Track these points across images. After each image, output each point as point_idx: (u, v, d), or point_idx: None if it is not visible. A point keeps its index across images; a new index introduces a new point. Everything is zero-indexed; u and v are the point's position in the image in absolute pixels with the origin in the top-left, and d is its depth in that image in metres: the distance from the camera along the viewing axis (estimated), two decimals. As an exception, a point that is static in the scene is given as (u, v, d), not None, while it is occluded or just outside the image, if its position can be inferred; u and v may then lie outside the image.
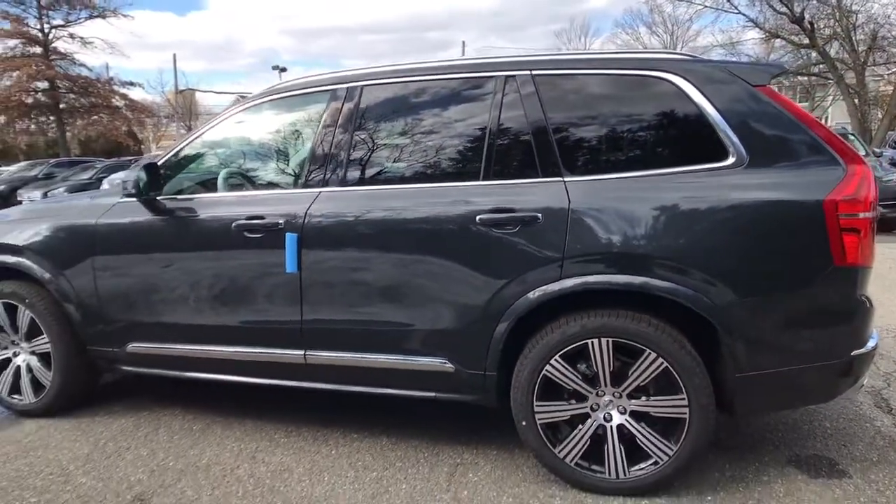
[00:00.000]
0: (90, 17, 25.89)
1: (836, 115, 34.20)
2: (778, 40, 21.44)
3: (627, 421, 2.22)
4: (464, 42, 55.49)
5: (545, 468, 2.35)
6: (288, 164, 2.90)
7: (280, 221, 2.47)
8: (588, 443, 2.25)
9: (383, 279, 2.39)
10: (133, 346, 2.82)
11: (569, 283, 2.16)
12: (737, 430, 2.74)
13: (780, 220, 2.05)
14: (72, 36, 25.98)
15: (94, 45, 26.09)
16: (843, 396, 2.27)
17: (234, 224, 2.54)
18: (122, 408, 3.13)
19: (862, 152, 9.36)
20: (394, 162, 2.57)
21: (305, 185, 2.57)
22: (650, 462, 2.20)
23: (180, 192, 2.79)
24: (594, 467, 2.25)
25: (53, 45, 25.79)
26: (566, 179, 2.24)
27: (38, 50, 25.30)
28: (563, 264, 2.17)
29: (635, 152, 2.28)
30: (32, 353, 2.99)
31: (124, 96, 27.71)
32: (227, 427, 2.89)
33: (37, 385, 3.00)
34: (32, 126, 26.97)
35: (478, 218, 2.25)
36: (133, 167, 2.72)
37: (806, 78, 25.64)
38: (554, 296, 2.18)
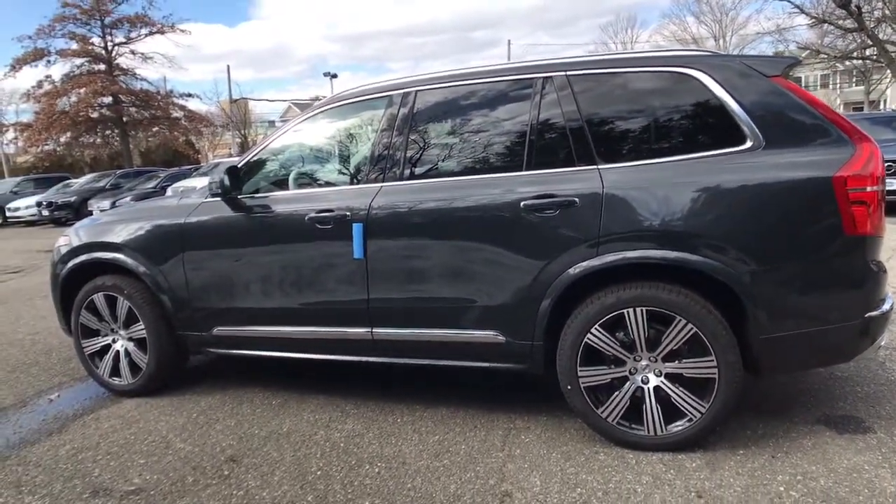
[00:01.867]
0: (150, 33, 27.33)
1: (895, 98, 33.15)
2: (828, 25, 21.05)
3: (663, 382, 2.46)
4: (509, 41, 55.64)
5: (590, 428, 2.61)
6: (351, 164, 3.23)
7: (347, 213, 2.81)
8: (628, 403, 2.50)
9: (438, 261, 2.70)
10: (218, 330, 3.20)
11: (606, 258, 2.42)
12: (770, 394, 2.95)
13: (795, 196, 2.28)
14: (133, 52, 27.51)
15: (153, 60, 27.52)
16: (863, 357, 2.47)
17: (306, 217, 2.89)
18: (208, 387, 3.52)
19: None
20: (445, 158, 2.87)
21: (368, 181, 2.90)
22: (685, 419, 2.44)
23: (257, 191, 3.15)
24: (634, 426, 2.50)
25: (116, 61, 27.29)
26: (600, 167, 2.50)
27: (102, 67, 26.80)
28: (600, 242, 2.43)
29: (660, 141, 2.52)
30: (130, 339, 3.40)
31: (182, 107, 29.11)
32: (301, 401, 3.24)
33: (133, 367, 3.41)
34: (98, 139, 28.49)
35: (522, 204, 2.53)
36: (214, 170, 3.09)
37: (860, 62, 25.02)
38: (593, 270, 2.45)
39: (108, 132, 28.20)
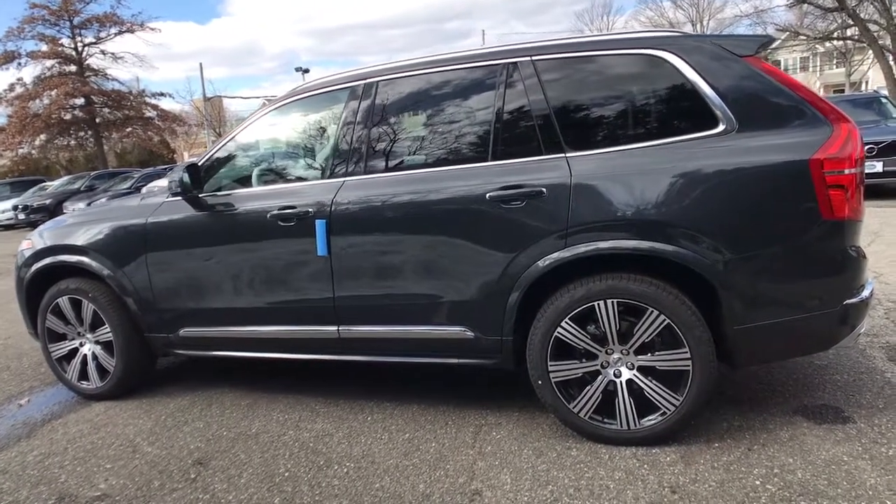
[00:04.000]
0: (119, 32, 27.06)
1: (877, 80, 33.15)
2: (808, 5, 20.97)
3: (636, 376, 2.40)
4: (483, 31, 55.30)
5: (562, 423, 2.55)
6: (314, 158, 3.14)
7: (310, 210, 2.72)
8: (600, 398, 2.44)
9: (404, 256, 2.62)
10: (185, 331, 3.12)
11: (574, 250, 2.35)
12: (747, 385, 2.89)
13: (770, 180, 2.20)
14: (103, 52, 27.29)
15: (124, 60, 27.28)
16: (842, 345, 2.41)
17: (268, 215, 2.80)
18: (178, 389, 3.44)
19: (895, 115, 9.23)
20: (409, 149, 2.79)
21: (331, 176, 2.81)
22: (659, 413, 2.37)
23: (219, 189, 3.07)
24: (607, 420, 2.44)
25: (87, 62, 27.02)
26: (568, 155, 2.42)
27: (73, 68, 26.54)
28: (568, 233, 2.36)
29: (630, 126, 2.44)
30: (97, 342, 3.32)
31: (155, 107, 28.84)
32: (271, 401, 3.17)
33: (102, 371, 3.33)
34: (72, 141, 28.26)
35: (487, 195, 2.45)
36: (175, 169, 3.04)
37: (841, 42, 24.96)
38: (561, 263, 2.37)
39: (81, 134, 27.95)
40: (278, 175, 3.18)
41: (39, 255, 3.35)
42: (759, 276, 2.23)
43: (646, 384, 2.38)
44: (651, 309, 2.29)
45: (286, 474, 2.45)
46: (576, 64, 2.53)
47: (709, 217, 2.23)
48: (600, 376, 2.44)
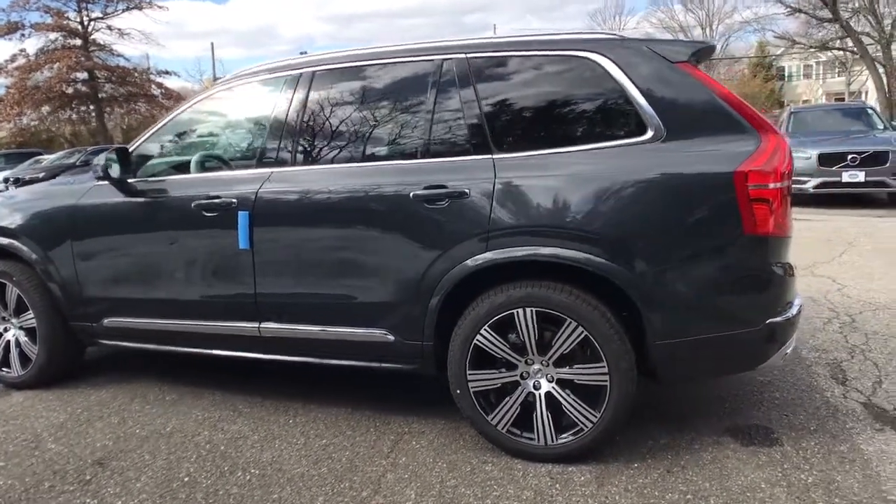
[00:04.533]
0: (127, 8, 26.81)
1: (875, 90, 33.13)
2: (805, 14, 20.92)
3: (554, 389, 2.29)
4: (495, 25, 55.12)
5: (480, 435, 2.44)
6: (246, 147, 3.01)
7: (234, 201, 2.60)
8: (518, 410, 2.33)
9: (326, 254, 2.51)
10: (108, 321, 3.00)
11: (494, 255, 2.23)
12: (681, 400, 2.79)
13: (693, 191, 2.10)
14: (109, 27, 27.01)
15: (130, 36, 27.08)
16: (769, 364, 2.30)
17: (193, 204, 2.68)
18: (105, 380, 3.32)
19: (881, 126, 9.12)
20: (340, 143, 2.66)
21: (259, 166, 2.69)
22: (576, 429, 2.26)
23: (152, 175, 2.94)
24: (525, 434, 2.33)
25: (92, 36, 26.77)
26: (495, 156, 2.31)
27: (78, 42, 26.29)
28: (489, 237, 2.24)
29: (560, 129, 2.33)
30: (21, 328, 3.20)
31: (160, 85, 28.59)
32: (197, 397, 3.06)
33: (24, 359, 3.21)
34: (74, 115, 28.02)
35: (412, 194, 2.34)
36: (105, 153, 2.94)
37: (841, 52, 24.91)
38: (481, 267, 2.26)
39: (83, 108, 27.73)
40: (210, 163, 3.04)
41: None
42: (679, 290, 2.12)
43: (564, 398, 2.27)
44: (569, 320, 2.18)
45: (186, 479, 2.34)
46: (509, 63, 2.41)
47: (630, 227, 2.12)
48: (519, 388, 2.33)
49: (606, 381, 2.19)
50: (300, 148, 2.62)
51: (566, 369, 2.26)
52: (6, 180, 17.08)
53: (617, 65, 2.22)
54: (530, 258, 2.19)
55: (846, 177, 8.04)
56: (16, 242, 3.11)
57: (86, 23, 26.65)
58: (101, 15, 26.94)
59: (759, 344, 2.18)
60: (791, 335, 2.26)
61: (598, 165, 2.18)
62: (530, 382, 2.32)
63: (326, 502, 2.16)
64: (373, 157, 2.57)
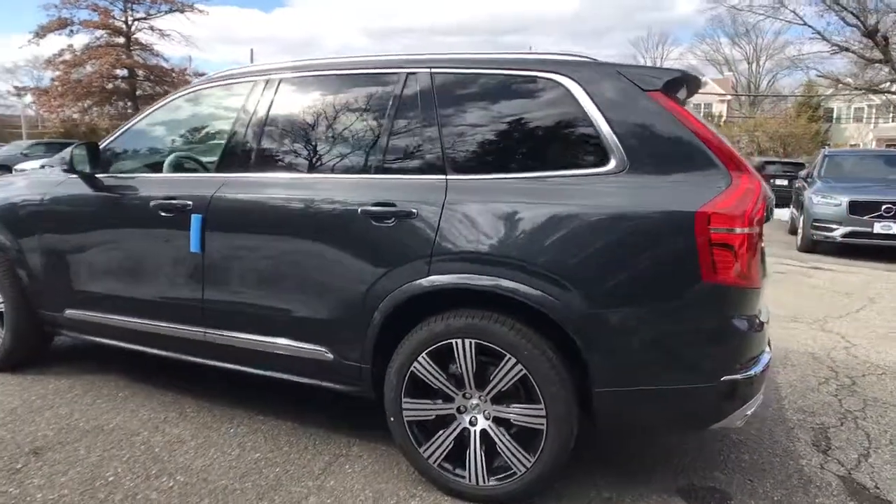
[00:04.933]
0: (169, 10, 27.92)
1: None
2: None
3: (490, 427, 2.16)
4: (531, 46, 55.43)
5: (412, 467, 2.33)
6: (207, 151, 3.01)
7: (189, 203, 2.58)
8: (452, 445, 2.21)
9: (271, 263, 2.46)
10: (69, 312, 3.01)
11: (434, 280, 2.14)
12: (642, 450, 2.62)
13: (649, 230, 1.95)
14: (151, 28, 28.18)
15: (171, 38, 28.15)
16: (725, 426, 2.11)
17: (151, 203, 2.67)
18: (68, 370, 3.33)
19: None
20: (297, 153, 2.63)
21: (217, 170, 2.67)
22: (509, 472, 2.13)
23: (122, 171, 2.95)
24: (457, 471, 2.21)
25: (135, 36, 27.98)
26: (448, 178, 2.22)
27: (121, 40, 27.53)
28: (432, 261, 2.15)
29: (518, 154, 2.22)
30: (-7, 313, 3.25)
31: None
32: (149, 396, 3.03)
33: (-6, 342, 3.25)
34: (112, 111, 29.18)
35: (360, 210, 2.27)
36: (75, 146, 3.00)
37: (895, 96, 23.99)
38: (420, 292, 2.16)
39: (121, 104, 28.82)
40: (174, 164, 3.04)
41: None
42: (625, 334, 1.98)
43: (499, 438, 2.14)
44: (508, 355, 2.06)
45: (111, 479, 2.30)
46: (473, 81, 2.33)
47: (576, 261, 1.99)
48: (455, 422, 2.21)
49: (543, 424, 2.06)
50: (257, 155, 2.59)
51: (503, 407, 2.13)
52: (42, 167, 17.82)
53: (583, 88, 2.12)
54: (464, 286, 2.09)
55: (878, 228, 7.64)
56: None
57: (129, 22, 27.96)
58: (144, 16, 28.28)
59: (714, 401, 2.01)
60: (754, 394, 2.08)
61: (551, 195, 2.06)
62: (467, 417, 2.20)
63: (239, 521, 2.08)
64: (326, 169, 2.52)
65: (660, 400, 2.02)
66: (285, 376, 2.54)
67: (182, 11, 28.24)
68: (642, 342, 1.98)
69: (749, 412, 2.09)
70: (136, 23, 28.33)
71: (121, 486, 2.26)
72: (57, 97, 26.07)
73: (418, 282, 2.16)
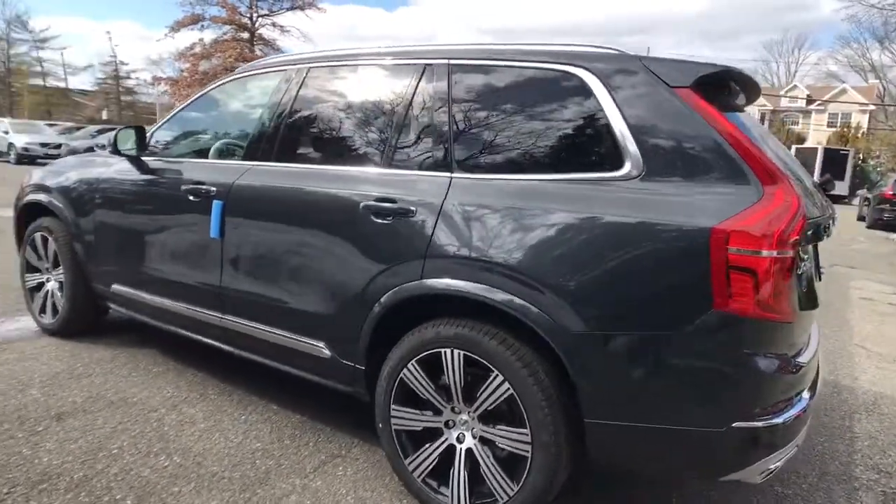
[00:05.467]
0: (291, 7, 29.71)
1: None
2: None
3: (476, 446, 2.00)
4: (648, 48, 53.30)
5: (397, 478, 2.21)
6: (239, 139, 3.03)
7: (212, 189, 2.62)
8: (438, 461, 2.07)
9: (280, 254, 2.43)
10: (115, 287, 3.18)
11: (423, 284, 2.01)
12: (651, 496, 2.33)
13: (657, 245, 1.70)
14: (273, 24, 30.09)
15: (290, 33, 30.02)
16: (739, 478, 1.79)
17: (182, 187, 2.75)
18: (117, 342, 3.53)
19: None
20: (316, 143, 2.59)
21: (243, 158, 2.69)
22: (491, 500, 1.96)
23: (166, 155, 3.08)
24: (441, 489, 2.07)
25: (258, 31, 30.01)
26: (453, 175, 2.08)
27: (246, 35, 29.61)
28: (425, 263, 2.01)
29: (527, 154, 2.02)
30: (57, 280, 3.52)
31: None
32: (179, 375, 3.14)
33: (55, 309, 3.52)
34: (233, 102, 31.72)
35: (362, 205, 2.18)
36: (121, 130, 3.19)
37: None
38: (411, 296, 2.04)
39: None
40: (220, 150, 3.10)
41: (26, 191, 3.61)
42: (622, 362, 1.74)
43: (483, 459, 1.97)
44: (496, 372, 1.89)
45: (114, 452, 2.38)
46: (488, 73, 2.16)
47: (574, 276, 1.77)
48: (443, 436, 2.07)
49: (528, 451, 1.86)
50: (277, 144, 2.57)
51: (490, 427, 1.96)
52: (92, 149, 19.49)
53: (602, 83, 1.89)
54: (447, 292, 1.94)
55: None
56: (55, 201, 3.40)
57: (254, 18, 29.95)
58: (267, 12, 30.21)
59: (723, 451, 1.71)
60: (781, 446, 1.76)
61: (555, 200, 1.86)
62: (455, 433, 2.05)
63: (215, 509, 2.07)
64: (342, 161, 2.45)
65: (658, 441, 1.75)
66: (290, 369, 2.52)
67: (302, 9, 30.03)
68: (640, 373, 1.73)
69: (773, 466, 1.77)
70: (259, 19, 30.48)
71: (120, 459, 2.33)
72: (185, 87, 28.51)
73: (411, 284, 2.04)
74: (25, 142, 19.76)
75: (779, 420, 1.71)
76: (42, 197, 3.47)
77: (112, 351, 3.40)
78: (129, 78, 42.69)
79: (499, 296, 1.86)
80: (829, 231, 2.19)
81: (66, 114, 40.59)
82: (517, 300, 1.83)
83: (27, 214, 3.64)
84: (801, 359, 1.83)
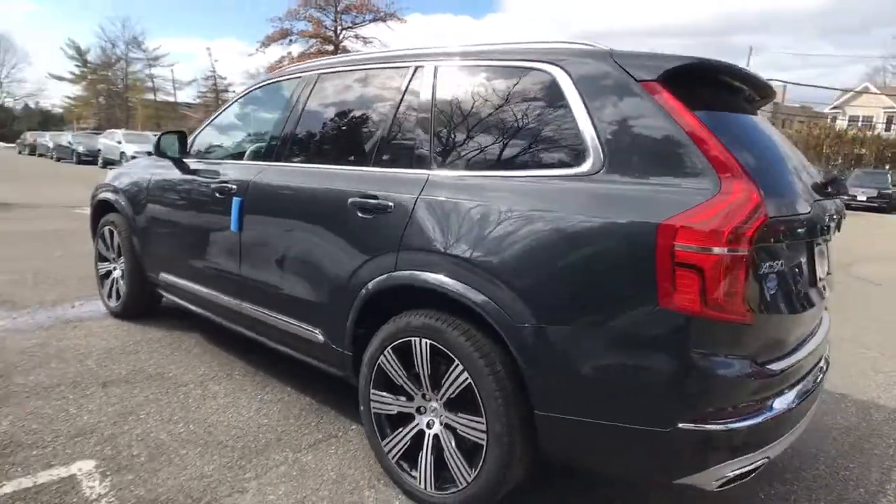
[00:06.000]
0: (373, 20, 31.03)
1: None
2: None
3: (441, 433, 2.10)
4: (751, 48, 50.39)
5: (376, 458, 2.35)
6: (259, 141, 3.28)
7: (233, 187, 2.90)
8: (410, 444, 2.19)
9: (285, 247, 2.65)
10: (162, 276, 3.56)
11: (395, 275, 2.14)
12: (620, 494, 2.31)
13: (606, 241, 1.73)
14: (356, 36, 31.45)
15: (372, 44, 31.19)
16: (689, 484, 1.76)
17: (211, 185, 3.05)
18: (168, 325, 3.93)
19: None
20: (319, 144, 2.80)
21: (261, 159, 2.95)
22: (451, 484, 2.06)
23: (202, 157, 3.42)
24: (412, 472, 2.18)
25: (343, 43, 31.44)
26: (430, 173, 2.20)
27: (331, 48, 31.13)
28: (399, 256, 2.14)
29: (500, 151, 2.10)
30: (121, 269, 3.96)
31: None
32: (214, 356, 3.45)
33: (119, 294, 3.97)
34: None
35: (349, 201, 2.35)
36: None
37: None
38: (386, 286, 2.18)
39: None
40: (237, 152, 3.40)
41: (98, 188, 4.10)
42: (569, 354, 1.77)
43: (447, 445, 2.07)
44: (457, 362, 1.98)
45: (142, 416, 2.68)
46: (469, 73, 2.27)
47: (526, 269, 1.84)
48: (414, 421, 2.19)
49: (484, 440, 1.94)
50: (290, 146, 2.81)
51: (454, 415, 2.06)
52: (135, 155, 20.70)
53: (571, 79, 1.94)
54: (413, 283, 2.06)
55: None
56: (119, 199, 3.86)
57: (338, 31, 31.38)
58: (350, 25, 31.65)
59: (669, 452, 1.71)
60: (740, 455, 1.72)
61: (515, 196, 1.93)
62: (425, 419, 2.16)
63: (215, 471, 2.29)
64: (340, 160, 2.64)
65: (606, 438, 1.77)
66: (294, 353, 2.73)
67: (384, 20, 31.24)
68: (587, 368, 1.76)
69: (731, 474, 1.73)
70: (343, 31, 32.00)
71: (144, 423, 2.63)
72: None
73: (385, 276, 2.17)
74: (135, 150, 21.82)
75: (736, 426, 1.67)
76: (110, 195, 3.93)
77: (161, 333, 3.79)
78: (226, 91, 46.00)
79: (457, 287, 1.95)
80: (827, 231, 2.10)
81: (173, 125, 44.40)
82: (472, 291, 1.92)
83: (99, 211, 4.13)
84: (778, 364, 1.78)
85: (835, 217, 2.15)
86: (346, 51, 32.05)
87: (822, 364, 2.22)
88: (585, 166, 1.86)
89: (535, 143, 2.05)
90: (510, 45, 2.22)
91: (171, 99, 50.10)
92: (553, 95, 1.99)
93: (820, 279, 2.09)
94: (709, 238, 1.59)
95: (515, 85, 2.11)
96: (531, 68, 2.07)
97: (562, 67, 1.98)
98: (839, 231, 2.26)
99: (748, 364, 1.71)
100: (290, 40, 31.78)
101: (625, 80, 1.86)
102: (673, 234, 1.61)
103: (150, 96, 49.82)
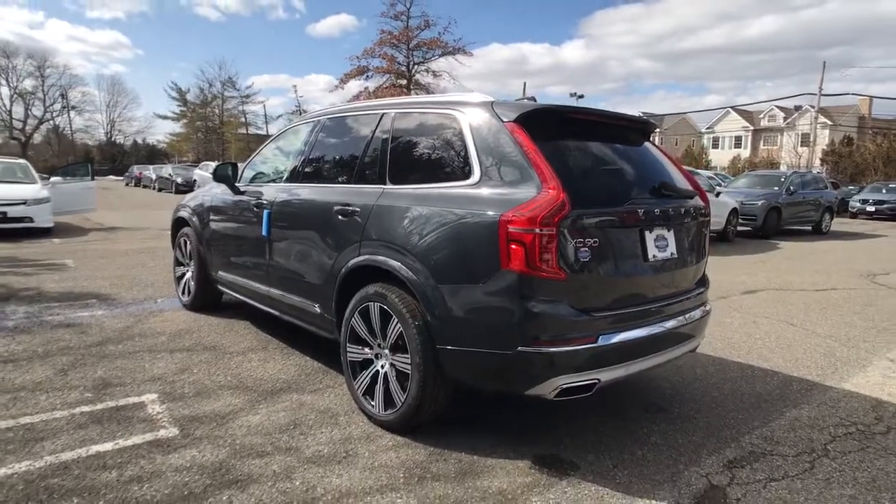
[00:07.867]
0: (442, 54, 32.58)
1: None
2: None
3: (388, 369, 2.93)
4: (824, 63, 48.31)
5: (350, 394, 3.20)
6: (288, 167, 4.26)
7: (265, 202, 3.90)
8: (370, 381, 3.03)
9: (295, 244, 3.60)
10: (219, 273, 4.62)
11: (360, 259, 3.02)
12: (524, 419, 3.01)
13: (474, 228, 2.54)
14: (427, 70, 33.07)
15: (441, 77, 32.85)
16: (539, 394, 2.48)
17: (252, 202, 4.08)
18: (228, 314, 4.99)
19: None
20: (319, 168, 3.75)
21: (285, 181, 3.95)
22: (394, 405, 2.87)
23: (250, 182, 4.48)
24: (372, 401, 3.01)
25: (415, 77, 33.18)
26: (385, 187, 3.07)
27: (403, 82, 32.93)
28: (361, 246, 3.03)
29: (425, 170, 2.98)
30: (191, 270, 5.09)
31: None
32: (256, 335, 4.44)
33: (189, 291, 5.09)
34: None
35: (334, 207, 3.26)
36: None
37: None
38: (354, 267, 3.06)
39: None
40: (272, 176, 4.41)
41: (176, 209, 5.29)
42: (451, 305, 2.57)
43: (390, 378, 2.89)
44: (394, 317, 2.82)
45: (195, 371, 3.68)
46: (415, 117, 3.15)
47: (428, 248, 2.67)
48: (373, 364, 3.03)
49: (409, 370, 2.75)
50: (303, 170, 3.80)
51: (394, 356, 2.88)
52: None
53: (467, 121, 2.79)
54: (367, 264, 2.93)
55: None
56: (191, 216, 4.99)
57: (410, 66, 33.16)
58: (422, 60, 33.30)
59: (514, 369, 2.47)
60: (569, 372, 2.44)
61: (430, 200, 2.77)
62: (380, 363, 3.00)
63: (239, 403, 3.22)
64: (332, 180, 3.58)
65: (477, 360, 2.55)
66: (305, 325, 3.64)
67: (453, 54, 32.87)
68: (461, 311, 2.56)
69: (562, 385, 2.45)
70: (415, 66, 33.89)
71: (194, 375, 3.62)
72: None
73: (353, 260, 3.06)
74: None
75: (560, 349, 2.41)
76: (184, 213, 5.09)
77: (219, 320, 4.85)
78: (312, 123, 49.30)
79: (394, 265, 2.80)
80: (672, 219, 2.80)
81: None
82: (403, 268, 2.76)
83: (177, 225, 5.31)
84: (602, 312, 2.52)
85: (670, 212, 2.83)
86: (418, 84, 33.94)
87: (680, 325, 2.87)
88: (472, 180, 2.68)
89: (445, 164, 2.90)
90: (436, 98, 3.15)
91: (262, 132, 54.35)
92: (456, 132, 2.84)
93: (654, 256, 2.77)
94: (528, 222, 2.38)
95: (438, 125, 2.98)
96: (446, 114, 2.93)
97: (462, 113, 2.83)
98: (693, 222, 2.94)
99: (565, 307, 2.44)
100: (367, 76, 34.22)
101: (496, 122, 2.69)
102: (508, 222, 2.41)
103: (243, 130, 54.22)
